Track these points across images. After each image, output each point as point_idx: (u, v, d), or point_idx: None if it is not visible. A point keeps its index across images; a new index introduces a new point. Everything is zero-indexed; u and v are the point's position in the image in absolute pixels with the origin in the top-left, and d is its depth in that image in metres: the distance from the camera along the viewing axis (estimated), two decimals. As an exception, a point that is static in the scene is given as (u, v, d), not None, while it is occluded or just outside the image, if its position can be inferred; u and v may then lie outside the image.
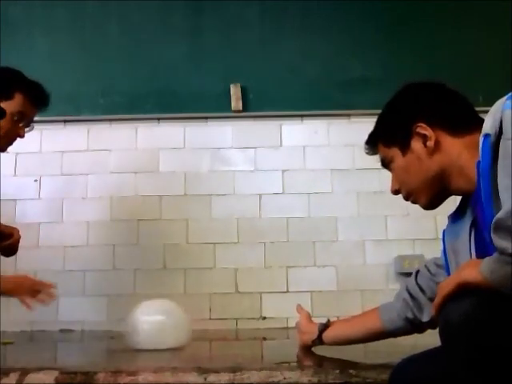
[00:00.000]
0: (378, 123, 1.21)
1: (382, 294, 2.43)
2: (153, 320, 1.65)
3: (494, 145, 0.86)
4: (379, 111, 1.20)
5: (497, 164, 0.85)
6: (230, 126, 2.63)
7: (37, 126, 1.89)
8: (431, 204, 1.14)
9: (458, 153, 1.06)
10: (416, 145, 1.10)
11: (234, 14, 2.68)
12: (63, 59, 2.63)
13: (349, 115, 2.60)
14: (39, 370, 1.26)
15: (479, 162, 0.90)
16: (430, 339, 1.01)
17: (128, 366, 1.31)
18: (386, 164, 1.20)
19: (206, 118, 2.63)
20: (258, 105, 2.61)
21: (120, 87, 2.61)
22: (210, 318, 2.40)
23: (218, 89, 2.59)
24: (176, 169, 2.59)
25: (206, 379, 1.23)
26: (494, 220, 0.81)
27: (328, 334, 1.40)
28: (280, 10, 2.68)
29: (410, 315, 1.27)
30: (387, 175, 1.21)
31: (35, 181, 2.57)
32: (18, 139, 1.83)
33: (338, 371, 1.24)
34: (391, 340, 1.32)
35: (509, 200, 0.80)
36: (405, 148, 1.12)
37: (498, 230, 0.80)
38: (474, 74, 2.50)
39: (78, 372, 1.25)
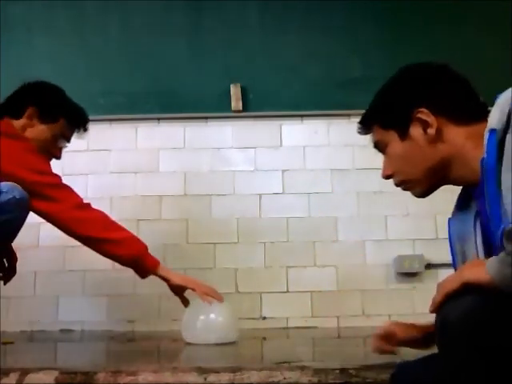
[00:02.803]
0: (375, 102, 1.12)
1: (382, 294, 2.44)
2: (204, 317, 1.82)
3: (501, 142, 0.83)
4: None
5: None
6: (229, 126, 2.63)
7: (37, 126, 1.89)
8: (426, 193, 1.09)
9: (462, 143, 1.00)
10: (415, 131, 1.03)
11: (233, 14, 2.68)
12: (63, 59, 2.63)
13: (349, 115, 2.59)
14: (39, 370, 1.26)
15: (483, 158, 0.87)
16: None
17: (128, 366, 1.31)
18: (380, 147, 1.12)
19: (206, 117, 2.63)
20: (257, 105, 2.61)
21: (120, 87, 2.61)
22: (210, 318, 2.40)
23: (218, 89, 2.59)
24: (176, 169, 2.59)
25: (205, 379, 1.23)
26: (507, 229, 0.78)
27: None
28: (280, 10, 2.68)
29: None
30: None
31: (35, 181, 2.56)
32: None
33: (338, 371, 1.24)
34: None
35: None
36: (403, 133, 1.05)
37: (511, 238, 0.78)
38: (474, 74, 2.49)
39: (78, 372, 1.25)
